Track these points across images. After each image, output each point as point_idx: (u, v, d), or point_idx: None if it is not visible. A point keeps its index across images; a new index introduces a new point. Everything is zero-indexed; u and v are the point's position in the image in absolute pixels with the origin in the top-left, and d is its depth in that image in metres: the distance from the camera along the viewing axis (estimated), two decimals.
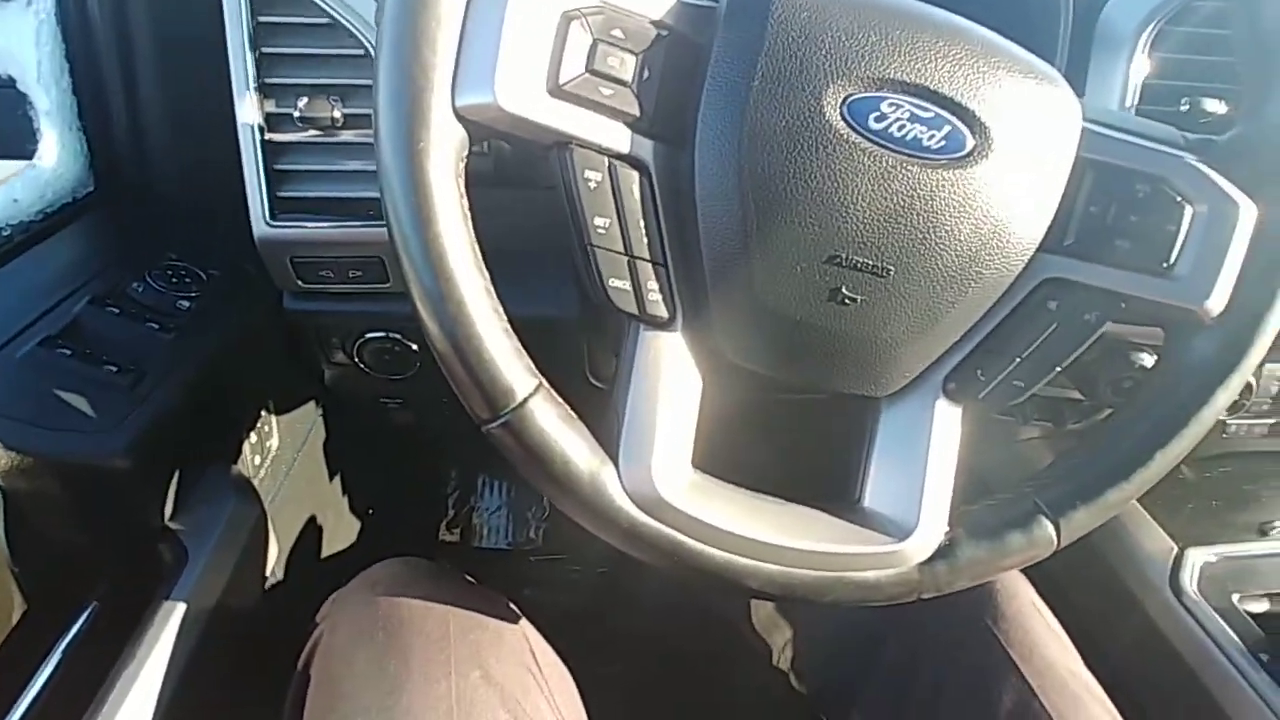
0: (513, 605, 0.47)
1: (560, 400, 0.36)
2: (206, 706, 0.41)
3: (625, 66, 0.33)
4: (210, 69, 0.53)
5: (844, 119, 0.33)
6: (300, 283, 0.59)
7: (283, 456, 0.65)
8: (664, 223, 0.36)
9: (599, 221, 0.35)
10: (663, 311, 0.36)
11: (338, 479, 0.80)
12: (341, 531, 0.81)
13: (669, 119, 0.35)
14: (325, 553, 0.76)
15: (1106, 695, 0.49)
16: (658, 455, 0.36)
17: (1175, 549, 0.67)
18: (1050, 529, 0.39)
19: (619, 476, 0.36)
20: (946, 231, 0.35)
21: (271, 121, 0.54)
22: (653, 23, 0.34)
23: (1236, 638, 0.60)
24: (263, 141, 0.54)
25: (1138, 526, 0.70)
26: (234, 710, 0.45)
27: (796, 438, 0.57)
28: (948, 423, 0.40)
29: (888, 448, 0.40)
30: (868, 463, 0.40)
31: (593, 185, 0.34)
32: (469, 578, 0.47)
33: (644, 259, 0.35)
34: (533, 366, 0.36)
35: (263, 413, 0.62)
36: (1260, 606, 0.64)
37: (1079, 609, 0.72)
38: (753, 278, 0.35)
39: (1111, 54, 0.57)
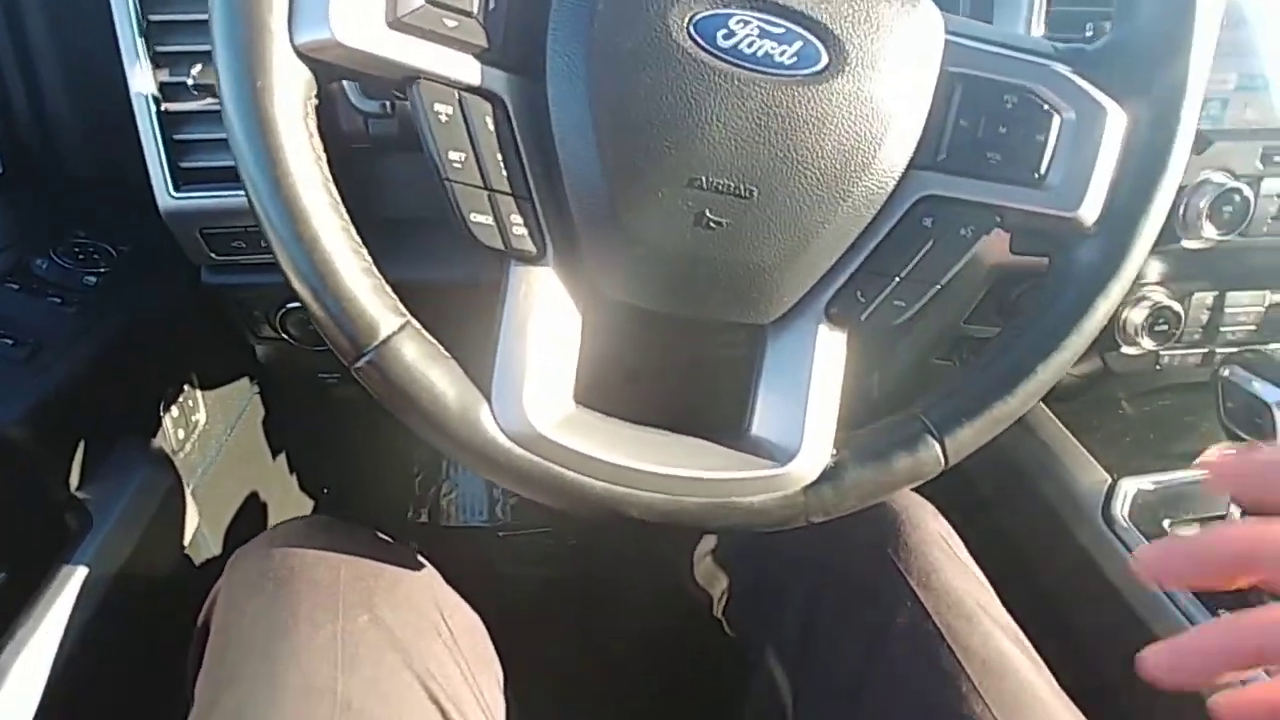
0: (422, 558, 0.47)
1: (431, 340, 0.36)
2: (107, 669, 0.41)
3: None
4: (105, 41, 0.52)
5: (691, 38, 0.33)
6: (213, 255, 0.58)
7: (212, 432, 0.65)
8: (526, 156, 0.35)
9: (454, 155, 0.34)
10: (530, 246, 0.36)
11: (283, 458, 0.80)
12: (290, 510, 0.82)
13: (520, 49, 0.34)
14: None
15: (1029, 623, 0.49)
16: (530, 389, 0.36)
17: (1109, 480, 0.68)
18: (936, 448, 0.40)
19: (492, 411, 0.36)
20: (807, 149, 0.35)
21: (166, 91, 0.53)
22: None
23: None
24: (158, 112, 0.53)
25: (1073, 460, 0.71)
26: (142, 671, 0.45)
27: (687, 371, 0.57)
28: (831, 347, 0.40)
29: (773, 375, 0.40)
30: (755, 391, 0.41)
31: (444, 119, 0.34)
32: (381, 535, 0.47)
33: (504, 192, 0.35)
34: (400, 307, 0.36)
35: (186, 387, 0.62)
36: (1192, 531, 0.64)
37: (1012, 543, 0.73)
38: (615, 207, 0.35)
39: None
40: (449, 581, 0.48)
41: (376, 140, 0.60)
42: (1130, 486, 0.67)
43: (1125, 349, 0.70)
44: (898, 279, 0.38)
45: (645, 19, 0.33)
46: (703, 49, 0.33)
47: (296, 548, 0.42)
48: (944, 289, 0.39)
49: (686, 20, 0.33)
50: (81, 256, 0.55)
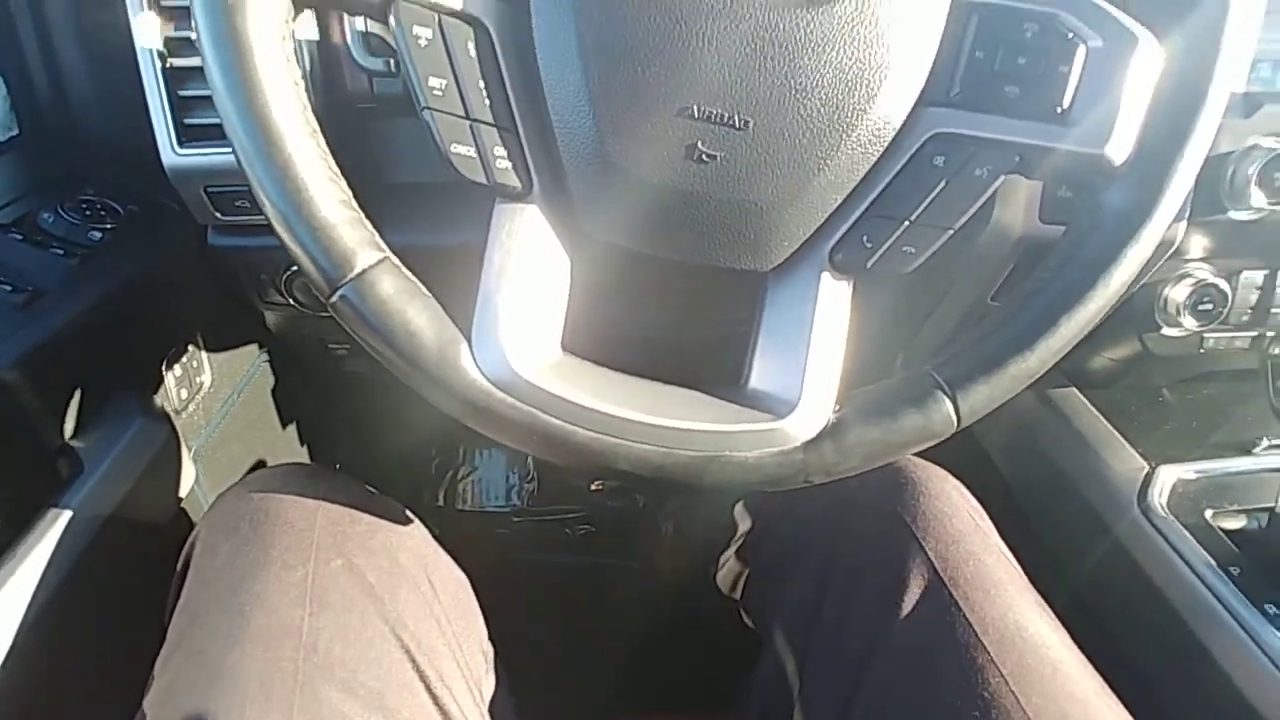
0: (410, 514, 0.45)
1: (411, 277, 0.35)
2: (89, 609, 0.40)
3: None
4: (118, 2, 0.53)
5: None
6: (218, 214, 0.58)
7: (217, 395, 0.65)
8: (510, 83, 0.34)
9: (434, 82, 0.33)
10: (514, 180, 0.35)
11: (293, 429, 0.80)
12: None
13: None
14: None
15: (1070, 617, 0.46)
16: (513, 332, 0.35)
17: (1146, 468, 0.64)
18: (948, 406, 0.37)
19: (471, 352, 0.34)
20: (806, 78, 0.33)
21: (171, 46, 0.53)
22: None
23: (1205, 553, 0.56)
24: (164, 68, 0.53)
25: (1108, 447, 0.67)
26: (123, 612, 0.45)
27: (683, 320, 0.55)
28: (835, 296, 0.37)
29: (774, 325, 0.38)
30: (755, 342, 0.38)
31: (423, 43, 0.32)
32: (369, 487, 0.46)
33: (487, 123, 0.34)
34: (379, 242, 0.34)
35: (190, 348, 0.62)
36: (1235, 523, 0.60)
37: (1043, 532, 0.69)
38: (602, 138, 0.33)
39: None
40: (451, 551, 0.47)
41: (381, 100, 0.60)
42: (1169, 475, 0.63)
43: (1166, 330, 0.66)
44: (907, 223, 0.36)
45: None
46: None
47: (275, 493, 0.41)
48: (957, 236, 0.36)
49: None
50: (89, 213, 0.55)
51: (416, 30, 0.32)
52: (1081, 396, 0.73)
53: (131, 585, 0.43)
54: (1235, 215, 0.59)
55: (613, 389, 0.36)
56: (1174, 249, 0.61)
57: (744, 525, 0.62)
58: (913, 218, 0.36)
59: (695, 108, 0.33)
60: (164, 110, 0.53)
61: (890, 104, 0.34)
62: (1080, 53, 0.34)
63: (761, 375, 0.38)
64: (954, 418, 0.37)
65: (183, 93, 0.54)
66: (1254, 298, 0.66)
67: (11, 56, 0.58)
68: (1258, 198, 0.58)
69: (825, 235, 0.36)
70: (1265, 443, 0.67)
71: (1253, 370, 0.69)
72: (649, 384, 0.38)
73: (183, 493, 0.55)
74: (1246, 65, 0.58)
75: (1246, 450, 0.66)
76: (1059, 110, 0.35)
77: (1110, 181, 0.36)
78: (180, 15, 0.53)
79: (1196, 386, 0.74)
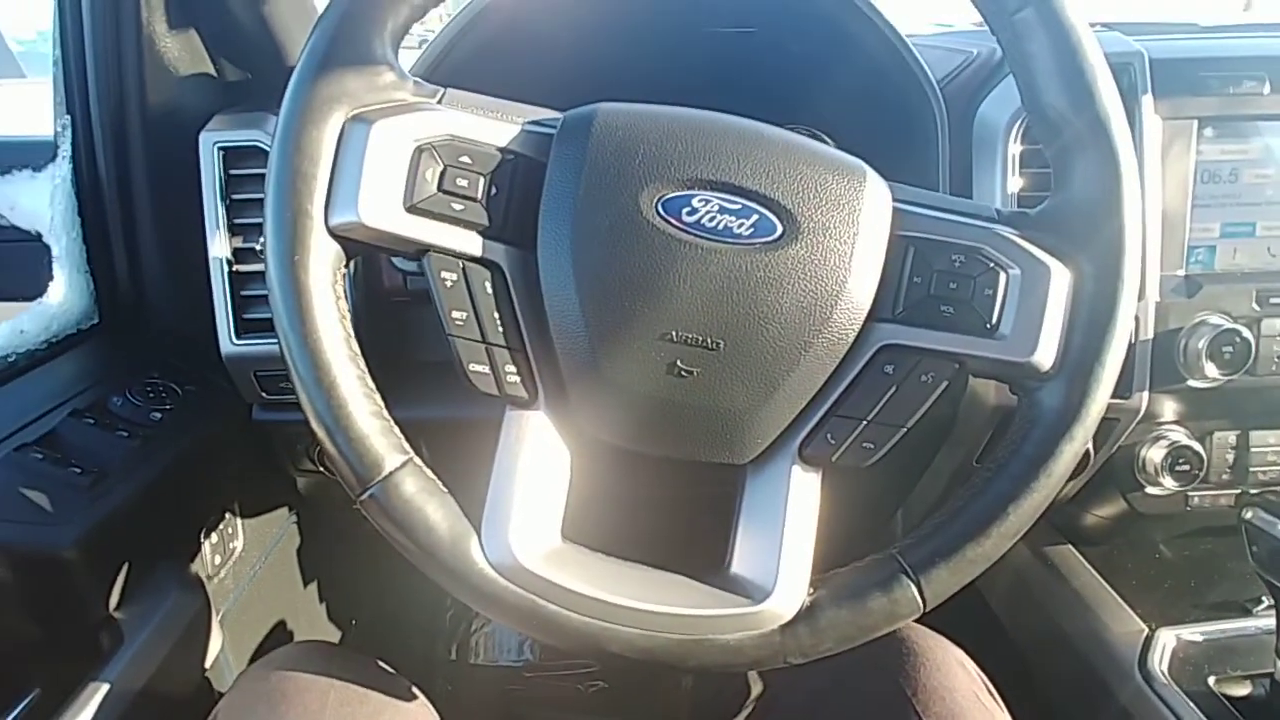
0: (416, 690, 0.48)
1: (431, 475, 0.40)
2: None
3: (474, 186, 0.40)
4: (195, 216, 0.62)
5: (659, 215, 0.38)
6: (264, 394, 0.65)
7: (247, 558, 0.69)
8: (521, 314, 0.40)
9: (456, 315, 0.40)
10: (522, 392, 0.40)
11: (314, 587, 0.83)
12: (317, 636, 0.83)
13: (516, 226, 0.40)
14: None
15: None
16: (517, 523, 0.39)
17: (1145, 630, 0.64)
18: (913, 589, 0.40)
19: (480, 544, 0.39)
20: (768, 307, 0.39)
21: (238, 255, 0.62)
22: (498, 149, 0.40)
23: None
24: (230, 272, 0.62)
25: (1106, 608, 0.68)
26: None
27: (673, 508, 0.59)
28: (805, 486, 0.41)
29: (751, 513, 0.42)
30: (735, 528, 0.42)
31: (449, 284, 0.39)
32: (381, 663, 0.49)
33: (500, 345, 0.40)
34: (405, 445, 0.40)
35: (227, 515, 0.67)
36: (1240, 689, 0.60)
37: (1047, 698, 0.68)
38: (597, 358, 0.39)
39: (989, 149, 0.62)
40: (458, 718, 0.48)
41: (414, 294, 0.68)
42: (1168, 638, 0.63)
43: (1149, 489, 0.69)
44: (865, 422, 0.41)
45: (620, 200, 0.38)
46: (670, 224, 0.38)
47: (293, 671, 0.44)
48: (911, 431, 0.41)
49: (655, 200, 0.38)
50: (152, 395, 0.62)
51: (444, 274, 0.39)
52: (1077, 554, 0.74)
53: None
54: (1194, 384, 0.64)
55: (605, 575, 0.40)
56: (1141, 415, 0.65)
57: (756, 689, 0.63)
58: (869, 418, 0.41)
59: (674, 333, 0.39)
60: (226, 307, 0.62)
61: (842, 323, 0.40)
62: (1002, 279, 0.40)
63: (741, 560, 0.41)
64: (919, 601, 0.40)
65: (243, 293, 0.62)
66: (1230, 457, 0.69)
67: (102, 258, 0.68)
68: (1211, 369, 0.62)
69: (793, 433, 0.41)
70: (1265, 601, 0.67)
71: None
72: (639, 569, 0.41)
73: (209, 662, 0.58)
74: (1182, 253, 0.65)
75: (1245, 610, 0.67)
76: (988, 325, 0.40)
77: (1043, 384, 0.41)
78: (246, 231, 0.62)
79: (1192, 542, 0.76)
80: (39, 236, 0.68)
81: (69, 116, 0.64)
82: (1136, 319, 0.63)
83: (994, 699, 0.50)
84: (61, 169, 0.64)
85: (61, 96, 0.64)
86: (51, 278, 0.67)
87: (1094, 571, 0.72)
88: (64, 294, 0.65)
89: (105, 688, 0.45)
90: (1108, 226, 0.40)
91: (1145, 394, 0.64)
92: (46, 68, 0.66)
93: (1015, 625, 0.77)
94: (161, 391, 0.63)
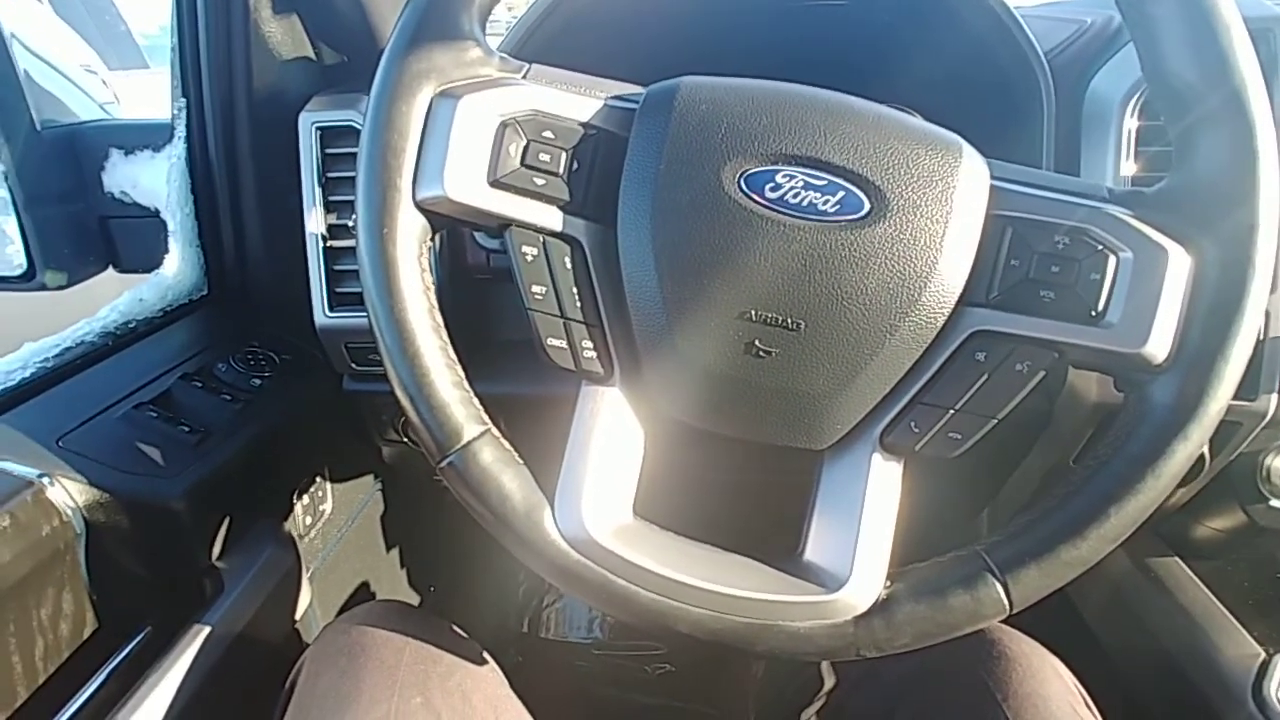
0: (487, 654, 0.49)
1: (508, 446, 0.41)
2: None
3: (556, 161, 0.40)
4: (295, 194, 0.66)
5: (741, 190, 0.37)
6: (354, 365, 0.68)
7: (335, 521, 0.73)
8: (599, 290, 0.40)
9: (536, 289, 0.40)
10: (598, 368, 0.40)
11: (396, 552, 0.87)
12: (398, 598, 0.87)
13: (598, 202, 0.40)
14: None
15: None
16: (589, 497, 0.39)
17: (1262, 655, 0.59)
18: (999, 590, 0.38)
19: (553, 515, 0.39)
20: (852, 287, 0.37)
21: (333, 231, 0.65)
22: (581, 124, 0.40)
23: None
24: (325, 248, 0.65)
25: (1217, 628, 0.62)
26: None
27: (747, 491, 0.58)
28: (885, 475, 0.40)
29: (828, 500, 0.41)
30: (810, 515, 0.41)
31: (529, 258, 0.40)
32: (456, 628, 0.51)
33: (578, 320, 0.40)
34: (484, 416, 0.41)
35: (318, 479, 0.70)
36: None
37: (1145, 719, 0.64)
38: (674, 335, 0.39)
39: (1100, 126, 0.58)
40: (526, 688, 0.50)
41: (496, 272, 0.70)
42: None
43: (1273, 502, 0.63)
44: (952, 411, 0.39)
45: (701, 176, 0.38)
46: (752, 200, 0.37)
47: (372, 627, 0.46)
48: (1002, 424, 0.39)
49: (737, 176, 0.38)
50: (252, 363, 0.66)
51: (525, 249, 0.40)
52: (1185, 567, 0.69)
53: (250, 703, 0.49)
54: None
55: (676, 554, 0.40)
56: (1268, 420, 0.59)
57: (829, 682, 0.61)
58: (957, 407, 0.39)
59: (753, 312, 0.38)
60: (321, 281, 0.65)
61: (931, 307, 0.38)
62: (1111, 263, 0.37)
63: (816, 548, 0.40)
64: (1005, 602, 0.38)
65: (336, 267, 0.65)
66: None
67: (211, 233, 0.73)
68: None
69: (874, 420, 0.40)
70: None
71: None
72: (710, 550, 0.41)
73: (299, 614, 0.61)
74: None
75: None
76: (1093, 313, 0.37)
77: (1154, 377, 0.38)
78: (341, 208, 0.65)
79: None
80: (157, 213, 0.73)
81: (184, 99, 0.68)
82: (1267, 313, 0.57)
83: (1091, 713, 0.47)
84: (177, 149, 0.69)
85: (178, 80, 0.68)
86: (167, 251, 0.72)
87: (1203, 587, 0.67)
88: (178, 266, 0.70)
89: (207, 630, 0.49)
90: (1239, 207, 0.36)
91: (1274, 396, 0.58)
92: (168, 59, 0.71)
93: (1111, 639, 0.72)
94: (262, 360, 0.67)
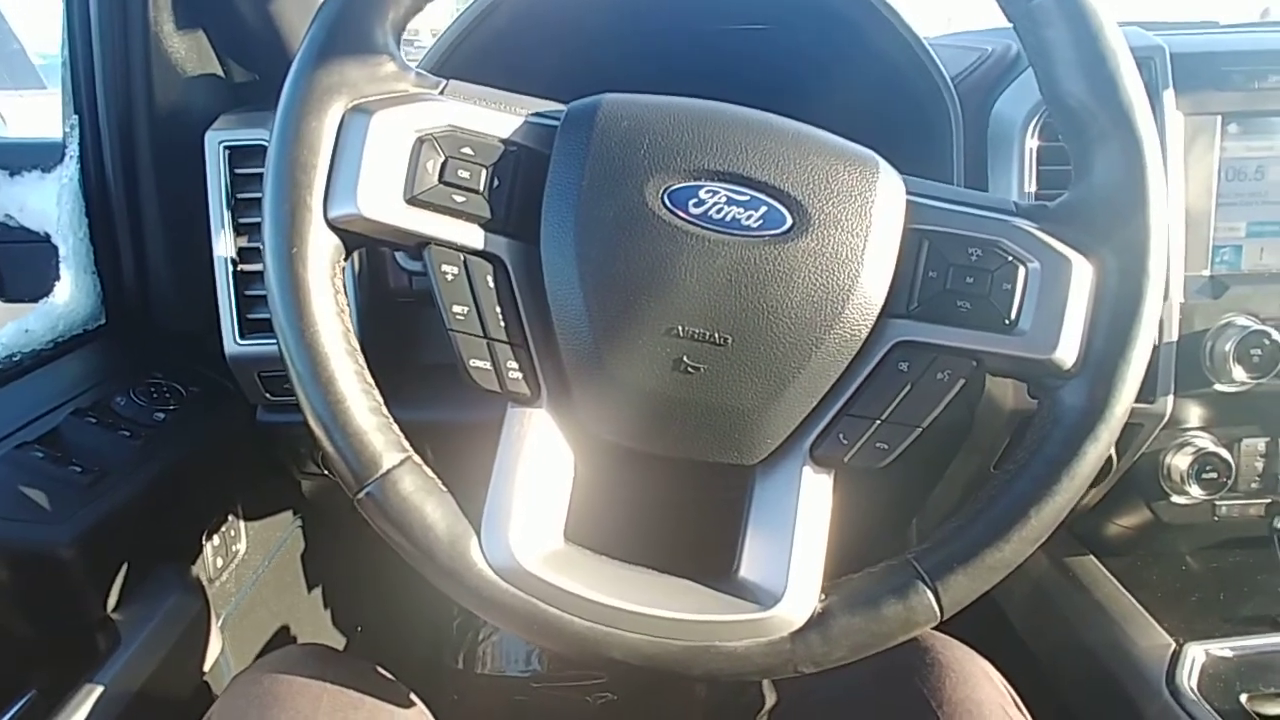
0: (414, 696, 0.47)
1: (430, 474, 0.39)
2: None
3: (476, 177, 0.39)
4: (201, 216, 0.62)
5: (665, 206, 0.37)
6: (268, 395, 0.65)
7: (250, 562, 0.68)
8: (523, 309, 0.39)
9: (457, 309, 0.39)
10: (524, 389, 0.39)
11: (318, 592, 0.82)
12: (321, 641, 0.82)
13: (520, 219, 0.39)
14: None
15: None
16: (517, 524, 0.38)
17: (1173, 644, 0.62)
18: (929, 597, 0.38)
19: (479, 544, 0.38)
20: (776, 301, 0.37)
21: (243, 255, 0.62)
22: (501, 140, 0.39)
23: None
24: (235, 272, 0.61)
25: (1131, 621, 0.65)
26: None
27: (680, 510, 0.57)
28: (816, 488, 0.40)
29: (761, 515, 0.41)
30: (744, 532, 0.41)
31: (450, 278, 0.38)
32: (380, 669, 0.48)
33: (502, 340, 0.39)
34: (404, 443, 0.39)
35: (230, 517, 0.66)
36: (1273, 707, 0.57)
37: (1070, 713, 0.66)
38: (601, 353, 0.38)
39: (1005, 146, 0.61)
40: None
41: (419, 295, 0.68)
42: (1197, 652, 0.61)
43: (1175, 498, 0.67)
44: (878, 421, 0.39)
45: (625, 191, 0.37)
46: (676, 215, 0.37)
47: (286, 674, 0.43)
48: (926, 434, 0.39)
49: (660, 192, 0.37)
50: (155, 396, 0.61)
51: (445, 268, 0.38)
52: (1100, 565, 0.72)
53: None
54: (1221, 388, 0.62)
55: (608, 579, 0.39)
56: (1166, 420, 0.63)
57: (770, 699, 0.61)
58: (883, 417, 0.39)
59: (680, 328, 0.37)
60: (230, 307, 0.61)
61: (854, 319, 0.38)
62: (1021, 273, 0.39)
63: (750, 564, 0.40)
64: (936, 608, 0.38)
65: (248, 292, 0.62)
66: (1260, 465, 0.67)
67: (109, 258, 0.68)
68: (1239, 372, 0.60)
69: (804, 433, 0.40)
70: None
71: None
72: (644, 573, 0.40)
73: (207, 665, 0.57)
74: (1207, 253, 0.63)
75: (1277, 624, 0.64)
76: (1007, 322, 0.39)
77: (1064, 382, 0.39)
78: (251, 230, 0.62)
79: (1220, 554, 0.73)
80: (47, 237, 0.68)
81: (76, 117, 0.64)
82: (1161, 320, 0.61)
83: (1022, 713, 0.48)
84: (69, 169, 0.64)
85: (69, 96, 0.64)
86: (58, 278, 0.67)
87: (1117, 583, 0.70)
88: (70, 294, 0.65)
89: (100, 689, 0.45)
90: (1133, 218, 0.38)
91: (1170, 398, 0.62)
92: None
93: (1035, 637, 0.74)
94: (165, 392, 0.62)
